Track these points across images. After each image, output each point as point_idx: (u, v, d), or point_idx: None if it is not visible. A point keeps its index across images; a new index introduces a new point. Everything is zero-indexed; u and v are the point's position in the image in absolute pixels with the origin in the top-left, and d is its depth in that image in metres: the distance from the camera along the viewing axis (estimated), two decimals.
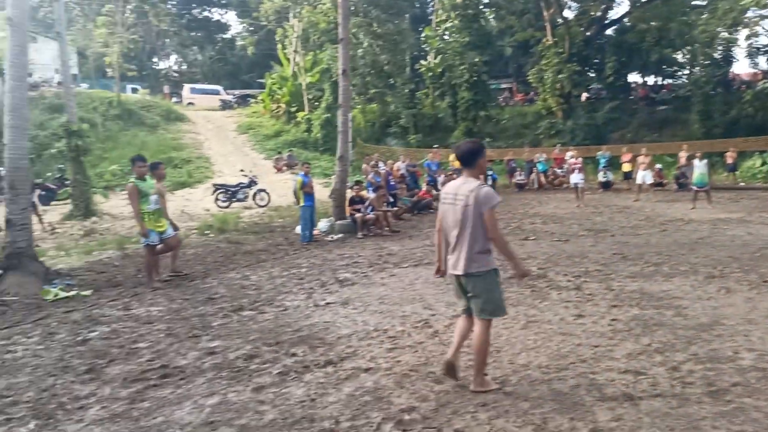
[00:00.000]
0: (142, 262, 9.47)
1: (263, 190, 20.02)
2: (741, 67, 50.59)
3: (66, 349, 5.94)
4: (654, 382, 4.45)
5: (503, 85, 48.74)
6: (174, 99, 43.76)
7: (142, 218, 8.57)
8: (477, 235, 4.32)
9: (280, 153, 28.38)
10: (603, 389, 4.36)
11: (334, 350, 5.55)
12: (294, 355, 5.48)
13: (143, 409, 4.38)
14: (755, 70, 40.26)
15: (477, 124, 33.55)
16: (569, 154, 23.99)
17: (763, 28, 33.89)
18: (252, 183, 20.47)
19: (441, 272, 4.80)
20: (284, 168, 26.68)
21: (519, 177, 24.66)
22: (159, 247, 8.96)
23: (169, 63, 60.46)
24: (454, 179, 16.47)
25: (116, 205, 19.83)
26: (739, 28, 32.75)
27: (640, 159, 20.06)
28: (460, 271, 4.39)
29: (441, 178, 20.38)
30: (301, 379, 4.86)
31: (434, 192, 19.22)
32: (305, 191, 12.96)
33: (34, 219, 11.97)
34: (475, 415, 4.03)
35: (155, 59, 57.14)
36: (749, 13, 28.48)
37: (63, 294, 8.27)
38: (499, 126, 36.30)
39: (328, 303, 7.45)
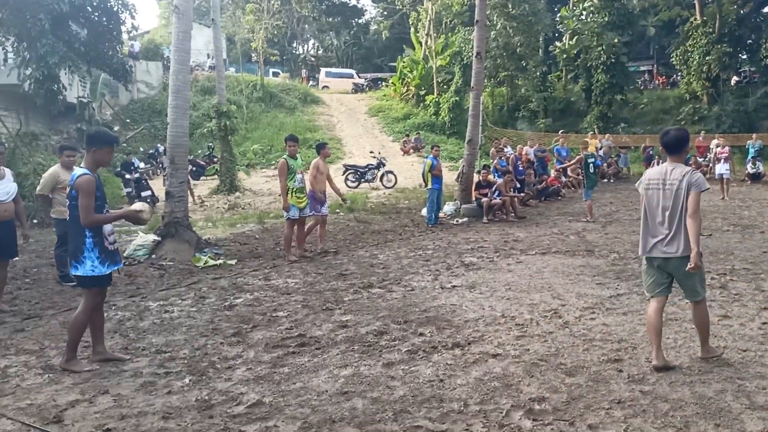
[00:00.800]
0: (281, 235, 10.07)
1: (390, 172, 20.43)
2: None
3: (215, 312, 6.50)
4: None
5: (642, 68, 46.14)
6: (311, 82, 45.50)
7: (286, 193, 9.11)
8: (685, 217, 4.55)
9: (407, 135, 28.71)
10: (753, 397, 4.08)
11: (461, 333, 5.63)
12: (422, 334, 5.62)
13: (284, 374, 4.70)
14: None
15: (612, 108, 32.09)
16: (714, 142, 22.29)
17: None
18: (380, 164, 20.93)
19: None
20: (411, 150, 27.00)
21: (657, 166, 23.28)
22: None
23: (307, 48, 62.86)
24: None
25: (257, 182, 21.14)
26: None
27: None
28: (678, 254, 4.57)
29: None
30: (429, 359, 4.97)
31: (563, 179, 18.68)
32: (434, 174, 13.07)
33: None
34: (610, 411, 3.92)
35: (295, 44, 59.60)
36: None
37: (212, 262, 9.02)
38: (636, 111, 34.46)
39: (454, 286, 7.55)
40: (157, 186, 15.52)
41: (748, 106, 30.56)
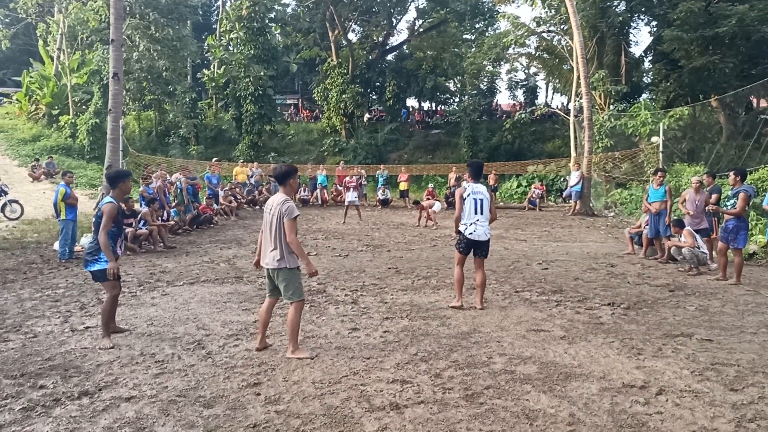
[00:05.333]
0: None
1: (15, 201, 17.63)
2: (503, 98, 57.05)
3: None
4: (418, 390, 4.68)
5: (289, 101, 49.21)
6: None
7: None
8: (283, 237, 5.46)
9: (37, 160, 25.33)
10: (372, 400, 4.48)
11: (92, 379, 5.03)
12: (42, 387, 4.88)
13: None
14: (514, 102, 45.77)
15: (262, 138, 33.29)
16: (362, 171, 25.04)
17: (521, 65, 38.74)
18: (1, 193, 17.94)
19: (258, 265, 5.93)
20: (42, 177, 23.86)
21: (303, 193, 24.96)
22: None
23: None
24: (237, 192, 16.53)
25: None
26: (501, 63, 36.95)
27: (425, 196, 21.49)
28: (274, 265, 5.53)
29: (222, 192, 19.86)
30: (50, 414, 4.33)
31: (215, 206, 18.61)
32: (67, 203, 11.67)
33: None
34: None
35: None
36: (510, 50, 32.16)
37: None
38: (284, 141, 36.46)
39: (87, 327, 6.76)
40: None
41: (378, 140, 34.91)
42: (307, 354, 5.55)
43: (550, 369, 5.18)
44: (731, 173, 9.62)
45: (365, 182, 25.62)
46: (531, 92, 44.87)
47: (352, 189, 19.23)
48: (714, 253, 10.51)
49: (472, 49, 34.80)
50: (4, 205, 17.38)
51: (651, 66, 31.16)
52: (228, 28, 34.21)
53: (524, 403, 4.43)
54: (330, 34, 36.96)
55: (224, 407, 4.38)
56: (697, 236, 10.46)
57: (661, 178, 11.72)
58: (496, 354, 5.61)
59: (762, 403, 4.45)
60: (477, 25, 36.92)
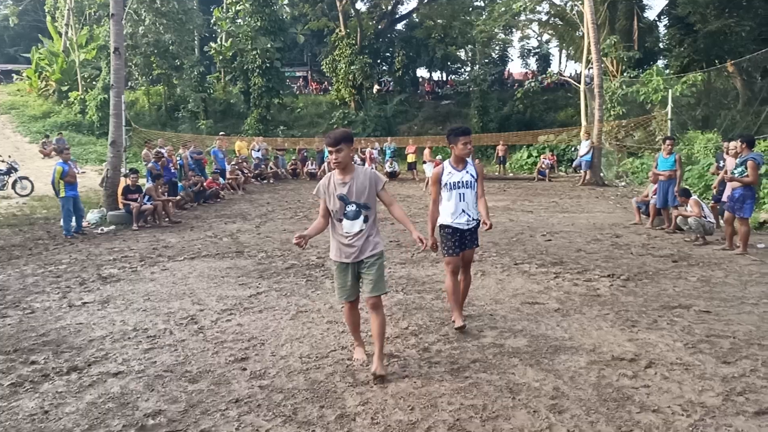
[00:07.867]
0: None
1: (25, 178, 17.82)
2: (514, 67, 56.32)
3: None
4: (404, 364, 4.64)
5: (298, 73, 48.80)
6: None
7: None
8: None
9: (48, 136, 25.48)
10: (357, 375, 4.45)
11: (82, 355, 5.05)
12: (33, 363, 4.91)
13: None
14: (526, 71, 45.09)
15: (270, 111, 33.13)
16: (377, 145, 24.97)
17: (533, 31, 38.05)
18: (11, 170, 18.14)
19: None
20: (53, 153, 24.04)
21: (311, 166, 24.90)
22: None
23: None
24: (244, 166, 16.35)
25: None
26: (513, 30, 36.31)
27: (426, 153, 21.32)
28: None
29: (228, 167, 19.86)
30: (37, 390, 4.35)
31: (221, 181, 18.62)
32: (66, 180, 11.71)
33: None
34: (225, 412, 3.89)
35: None
36: (521, 17, 31.52)
37: None
38: (293, 114, 36.26)
39: (84, 302, 6.80)
40: None
41: (387, 112, 34.61)
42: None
43: (540, 342, 5.11)
44: (737, 141, 9.36)
45: (379, 158, 25.36)
46: (544, 60, 44.17)
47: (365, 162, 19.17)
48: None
49: (482, 17, 34.20)
50: (15, 181, 17.57)
51: (665, 31, 30.47)
52: (234, 0, 33.84)
53: (509, 376, 4.37)
54: (338, 3, 36.47)
55: (209, 382, 4.38)
56: (704, 205, 10.27)
57: (670, 147, 11.47)
58: (487, 327, 5.55)
59: (753, 376, 4.36)
60: None
